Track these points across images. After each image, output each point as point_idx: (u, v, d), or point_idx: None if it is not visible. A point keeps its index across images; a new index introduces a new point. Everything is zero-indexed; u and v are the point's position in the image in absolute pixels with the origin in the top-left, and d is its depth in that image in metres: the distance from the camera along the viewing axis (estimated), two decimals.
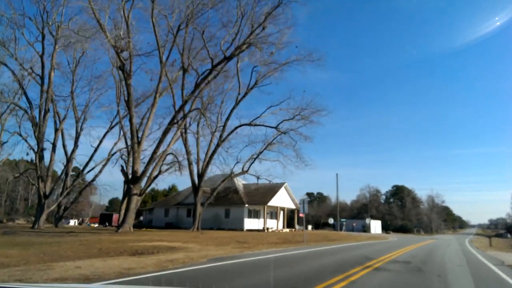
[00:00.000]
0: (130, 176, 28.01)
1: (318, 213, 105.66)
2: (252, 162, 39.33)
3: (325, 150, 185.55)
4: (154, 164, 29.19)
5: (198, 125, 39.09)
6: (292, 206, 50.90)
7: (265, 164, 45.88)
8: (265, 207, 43.57)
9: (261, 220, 46.68)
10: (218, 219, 44.80)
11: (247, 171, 39.46)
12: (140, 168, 28.13)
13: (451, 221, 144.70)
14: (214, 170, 38.89)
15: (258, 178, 40.70)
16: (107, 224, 51.13)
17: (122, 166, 28.16)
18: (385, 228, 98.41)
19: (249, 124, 35.51)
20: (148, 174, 29.66)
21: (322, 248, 21.60)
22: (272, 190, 46.44)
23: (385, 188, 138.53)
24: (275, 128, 35.30)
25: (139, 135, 29.66)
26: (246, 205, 43.17)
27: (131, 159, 31.94)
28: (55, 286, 4.78)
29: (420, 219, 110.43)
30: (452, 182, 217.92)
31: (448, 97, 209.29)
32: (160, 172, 29.41)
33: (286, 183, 48.40)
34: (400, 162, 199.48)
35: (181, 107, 28.54)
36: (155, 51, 27.65)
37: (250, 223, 43.83)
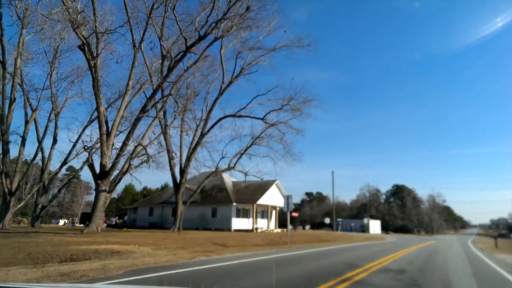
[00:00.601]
0: (98, 171, 25.17)
1: (317, 213, 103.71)
2: (239, 158, 36.58)
3: (325, 150, 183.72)
4: (126, 157, 26.42)
5: (182, 119, 36.26)
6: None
7: (255, 160, 43.02)
8: (254, 205, 40.76)
9: (251, 219, 43.90)
10: (205, 218, 42.00)
11: (233, 167, 36.66)
12: (110, 162, 25.30)
13: (452, 221, 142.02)
14: (199, 167, 35.98)
15: (246, 174, 37.98)
16: (87, 223, 48.08)
17: (88, 160, 25.29)
18: (385, 228, 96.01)
19: (234, 116, 32.66)
20: (120, 169, 26.86)
21: (304, 251, 18.74)
22: (262, 187, 43.64)
23: (385, 187, 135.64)
24: (262, 119, 32.45)
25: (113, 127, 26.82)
26: (234, 204, 40.34)
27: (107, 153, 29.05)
28: (60, 286, 4.52)
29: (420, 219, 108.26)
30: (453, 182, 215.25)
31: (448, 97, 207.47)
32: (130, 167, 26.55)
33: (277, 180, 45.59)
34: (401, 162, 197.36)
35: (153, 94, 25.59)
36: (120, 29, 24.59)
37: (238, 223, 41.01)
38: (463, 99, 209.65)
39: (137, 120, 24.64)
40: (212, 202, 41.77)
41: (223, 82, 31.96)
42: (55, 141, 37.71)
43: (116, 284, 6.94)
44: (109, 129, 26.02)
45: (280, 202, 46.81)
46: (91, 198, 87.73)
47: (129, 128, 26.15)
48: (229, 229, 39.41)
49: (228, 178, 47.58)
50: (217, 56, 32.47)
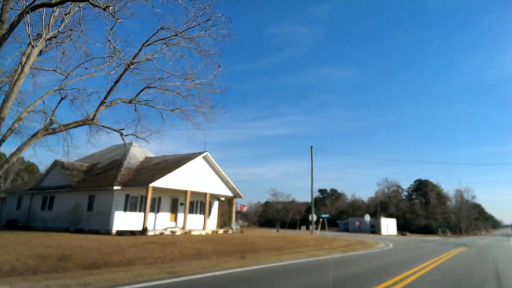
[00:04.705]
0: None
1: (330, 211, 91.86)
2: (101, 103, 20.37)
3: (343, 146, 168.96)
4: None
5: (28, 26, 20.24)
6: (226, 192, 31.40)
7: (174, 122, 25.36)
8: (148, 189, 24.02)
9: (161, 213, 27.76)
10: (79, 213, 25.94)
11: (92, 119, 20.42)
12: None
13: (483, 220, 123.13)
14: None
15: (121, 133, 21.81)
16: None
17: None
18: (404, 228, 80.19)
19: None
20: None
21: None
22: (178, 163, 27.19)
23: (407, 183, 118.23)
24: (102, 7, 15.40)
25: None
26: (118, 188, 24.02)
27: None
28: None
29: (447, 218, 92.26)
30: (483, 182, 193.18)
31: (480, 94, 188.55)
32: None
33: (206, 153, 28.94)
34: (426, 161, 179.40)
35: None
36: None
37: (127, 220, 24.75)
38: (494, 96, 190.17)
39: None
40: (90, 187, 25.63)
41: None
42: None
43: None
44: None
45: (214, 188, 30.27)
46: None
47: None
48: (108, 231, 23.38)
49: (142, 152, 31.50)
50: None
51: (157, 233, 23.52)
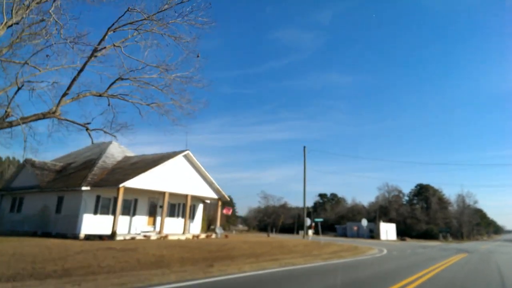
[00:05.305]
0: None
1: (330, 216, 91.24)
2: (64, 94, 18.62)
3: (345, 150, 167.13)
4: None
5: None
6: (210, 195, 29.36)
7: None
8: (119, 190, 22.01)
9: (138, 217, 25.75)
10: (47, 215, 23.96)
11: (54, 112, 18.66)
12: None
13: (485, 226, 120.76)
14: None
15: (86, 128, 20.23)
16: None
17: None
18: (404, 233, 78.37)
19: None
20: None
21: None
22: (155, 162, 25.19)
23: (408, 188, 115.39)
24: None
25: None
26: (86, 188, 22.08)
27: None
28: None
29: (448, 223, 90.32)
30: (486, 186, 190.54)
31: (484, 98, 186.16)
32: None
33: (188, 151, 26.94)
34: (427, 166, 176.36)
35: None
36: None
37: (96, 223, 22.76)
38: (500, 101, 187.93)
39: None
40: (59, 188, 23.69)
41: None
42: None
43: None
44: None
45: (201, 190, 28.30)
46: None
47: None
48: (76, 235, 21.41)
49: (120, 151, 29.58)
50: None
51: (128, 237, 21.50)
